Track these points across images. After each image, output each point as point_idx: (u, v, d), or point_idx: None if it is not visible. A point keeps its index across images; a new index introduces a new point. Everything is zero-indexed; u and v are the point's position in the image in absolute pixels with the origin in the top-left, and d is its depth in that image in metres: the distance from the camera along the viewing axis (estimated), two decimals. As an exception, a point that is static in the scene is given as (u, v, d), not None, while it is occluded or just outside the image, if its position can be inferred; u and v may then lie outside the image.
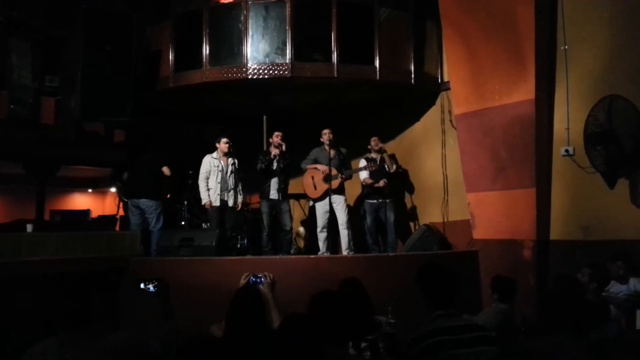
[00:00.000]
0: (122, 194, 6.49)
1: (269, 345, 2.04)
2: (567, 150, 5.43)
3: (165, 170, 6.09)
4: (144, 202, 5.91)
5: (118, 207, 6.70)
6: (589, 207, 5.32)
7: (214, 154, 6.14)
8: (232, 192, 6.06)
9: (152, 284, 2.52)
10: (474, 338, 2.32)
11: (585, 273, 4.16)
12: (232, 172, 6.09)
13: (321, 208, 6.07)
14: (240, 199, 6.15)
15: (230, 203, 6.08)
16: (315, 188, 6.10)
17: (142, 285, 2.52)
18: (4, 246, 4.70)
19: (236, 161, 6.15)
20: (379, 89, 6.77)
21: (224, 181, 6.06)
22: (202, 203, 6.08)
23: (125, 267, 5.27)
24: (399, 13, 6.60)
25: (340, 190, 6.07)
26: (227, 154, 6.14)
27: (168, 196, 6.66)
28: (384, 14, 6.44)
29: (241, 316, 2.40)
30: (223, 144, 6.11)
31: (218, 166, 6.07)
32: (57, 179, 7.34)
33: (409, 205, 7.17)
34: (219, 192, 6.02)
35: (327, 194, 5.95)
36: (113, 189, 6.78)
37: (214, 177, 6.05)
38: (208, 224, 6.40)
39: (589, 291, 4.06)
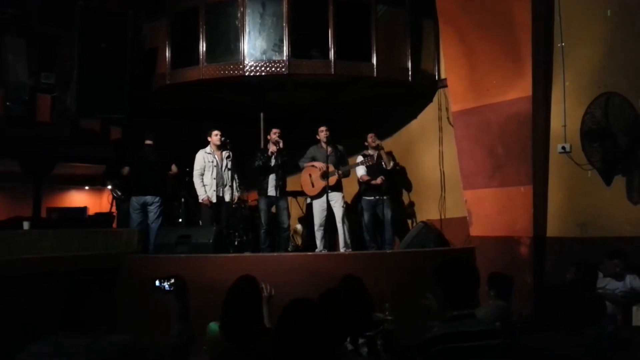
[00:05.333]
0: (118, 191, 6.45)
1: (264, 336, 2.04)
2: (563, 147, 5.44)
3: (173, 167, 6.15)
4: (150, 198, 5.90)
5: (111, 205, 6.66)
6: (586, 204, 5.34)
7: (207, 149, 6.06)
8: (228, 187, 6.04)
9: (167, 281, 2.44)
10: (490, 346, 2.17)
11: (571, 271, 4.18)
12: (227, 166, 6.05)
13: (319, 205, 6.07)
14: (236, 194, 6.10)
15: (227, 198, 6.03)
16: (313, 185, 6.10)
17: (157, 283, 2.44)
18: (0, 244, 4.68)
19: (231, 154, 6.06)
20: (376, 86, 6.76)
21: (219, 176, 6.00)
22: (200, 199, 6.03)
23: (121, 265, 5.27)
24: (396, 10, 6.59)
25: (337, 187, 6.07)
26: (220, 147, 6.06)
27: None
28: (381, 11, 6.43)
29: (238, 304, 2.41)
30: (214, 137, 6.02)
31: (212, 161, 6.00)
32: (53, 177, 7.31)
33: (406, 202, 7.17)
34: (215, 188, 5.98)
35: (324, 191, 5.95)
36: (109, 187, 6.73)
37: (209, 173, 5.99)
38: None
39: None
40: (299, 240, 7.31)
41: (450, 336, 2.16)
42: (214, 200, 5.97)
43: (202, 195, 5.98)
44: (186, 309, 2.43)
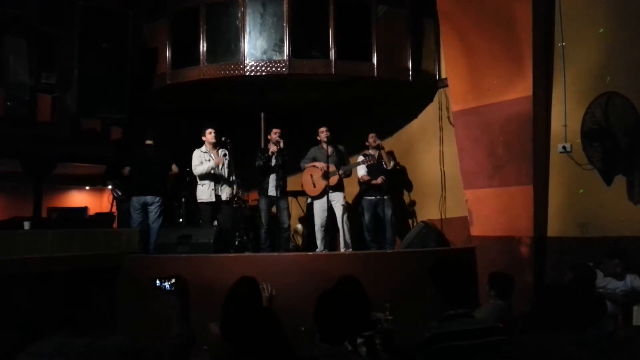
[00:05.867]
0: (119, 191, 6.44)
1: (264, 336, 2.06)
2: (564, 147, 5.43)
3: (174, 167, 6.14)
4: (150, 198, 5.90)
5: (112, 205, 6.66)
6: (586, 204, 5.33)
7: (203, 148, 6.03)
8: (225, 185, 6.01)
9: (168, 281, 2.44)
10: (488, 344, 2.20)
11: (569, 274, 4.16)
12: (223, 164, 6.04)
13: (320, 206, 6.07)
14: (235, 190, 6.00)
15: (224, 197, 5.99)
16: (314, 186, 6.10)
17: (158, 283, 2.44)
18: (0, 244, 4.69)
19: (227, 152, 6.03)
20: (376, 86, 6.76)
21: (217, 175, 5.97)
22: (214, 165, 5.87)
23: (122, 265, 5.27)
24: (396, 10, 6.59)
25: (338, 187, 6.07)
26: (216, 145, 6.02)
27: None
28: (381, 10, 6.43)
29: (238, 305, 2.41)
30: (209, 135, 5.98)
31: (209, 160, 5.98)
32: (54, 177, 7.31)
33: (406, 201, 7.17)
34: (213, 187, 5.97)
35: (326, 191, 5.95)
36: (110, 187, 6.73)
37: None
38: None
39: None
40: (299, 240, 7.31)
41: (447, 335, 2.19)
42: (213, 199, 5.95)
43: (211, 165, 5.86)
44: (186, 309, 2.43)
